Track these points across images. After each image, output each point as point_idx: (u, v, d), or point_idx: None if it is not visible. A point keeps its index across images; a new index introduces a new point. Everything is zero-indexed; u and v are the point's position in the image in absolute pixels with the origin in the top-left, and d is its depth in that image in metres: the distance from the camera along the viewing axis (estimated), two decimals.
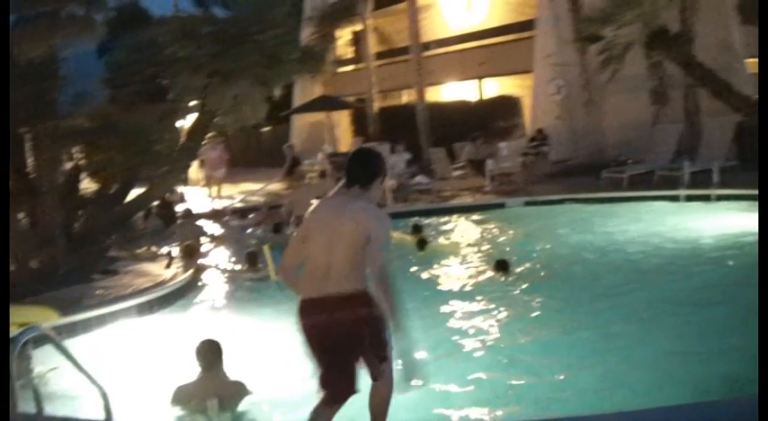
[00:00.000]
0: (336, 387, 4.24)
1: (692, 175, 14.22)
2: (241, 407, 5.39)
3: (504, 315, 7.64)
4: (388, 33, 28.10)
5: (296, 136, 30.19)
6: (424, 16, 25.21)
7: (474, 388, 5.69)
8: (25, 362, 4.43)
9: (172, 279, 9.51)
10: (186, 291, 9.40)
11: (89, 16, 10.41)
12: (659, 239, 10.80)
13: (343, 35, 29.03)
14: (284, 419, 5.40)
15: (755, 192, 12.70)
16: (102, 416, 4.48)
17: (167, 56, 10.32)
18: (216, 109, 10.75)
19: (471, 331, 7.14)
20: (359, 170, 4.37)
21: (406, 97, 27.40)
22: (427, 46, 24.37)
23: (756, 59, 19.37)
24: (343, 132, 28.93)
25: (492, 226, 13.41)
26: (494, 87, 26.05)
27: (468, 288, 8.84)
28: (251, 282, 9.94)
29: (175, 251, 11.46)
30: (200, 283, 10.10)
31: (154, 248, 12.09)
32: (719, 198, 13.03)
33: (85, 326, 7.70)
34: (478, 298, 8.34)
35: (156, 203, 14.20)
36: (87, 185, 11.35)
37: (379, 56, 26.15)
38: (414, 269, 9.66)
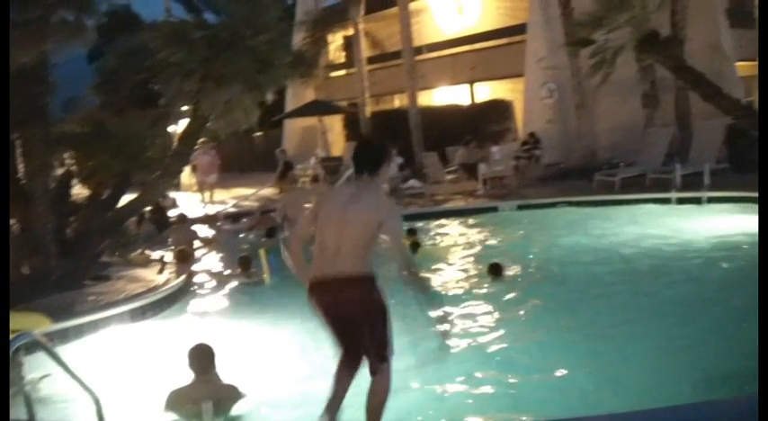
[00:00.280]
0: (348, 350, 4.57)
1: (683, 178, 14.28)
2: (234, 410, 5.38)
3: (496, 317, 7.65)
4: (379, 38, 28.17)
5: (288, 140, 30.20)
6: (416, 20, 25.27)
7: (467, 390, 5.69)
8: (17, 368, 4.40)
9: (164, 284, 9.48)
10: (179, 297, 9.37)
11: (80, 21, 10.39)
12: (651, 241, 10.84)
13: (335, 40, 29.07)
14: None
15: (746, 194, 12.89)
16: None
17: (159, 61, 10.29)
18: (208, 114, 10.73)
19: (464, 333, 7.13)
20: (366, 159, 4.59)
21: (399, 101, 27.48)
22: (419, 50, 24.43)
23: (745, 63, 19.53)
24: (335, 137, 28.97)
25: (485, 229, 13.43)
26: (486, 91, 26.14)
27: (460, 291, 8.85)
28: (244, 287, 9.93)
29: (168, 256, 11.44)
30: (192, 288, 10.08)
31: (147, 253, 12.07)
32: (710, 200, 13.10)
33: (78, 332, 7.67)
34: (471, 301, 8.35)
35: (148, 208, 14.18)
36: (79, 191, 11.31)
37: (371, 60, 26.20)
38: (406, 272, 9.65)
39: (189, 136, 11.17)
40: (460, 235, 13.19)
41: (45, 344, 4.40)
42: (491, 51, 24.57)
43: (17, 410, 4.38)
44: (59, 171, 10.98)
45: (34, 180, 9.50)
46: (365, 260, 4.43)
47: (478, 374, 6.01)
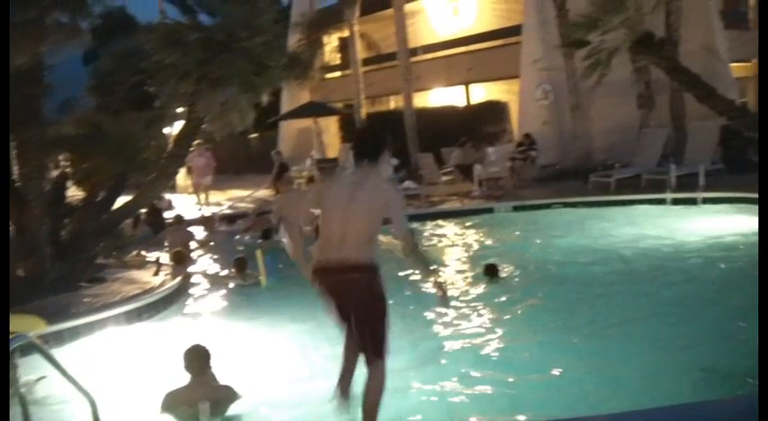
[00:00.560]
0: (351, 326, 4.70)
1: (678, 179, 14.32)
2: (231, 411, 5.38)
3: (493, 318, 7.66)
4: (375, 39, 28.17)
5: (284, 142, 30.21)
6: (412, 22, 25.31)
7: (465, 390, 5.70)
8: (12, 371, 4.39)
9: (160, 286, 9.47)
10: (175, 298, 9.36)
11: (75, 23, 10.38)
12: (647, 242, 10.87)
13: (331, 41, 29.07)
14: None
15: (741, 194, 12.92)
16: None
17: (154, 63, 10.28)
18: (203, 116, 10.72)
19: (461, 334, 7.15)
20: (366, 146, 4.75)
21: (394, 103, 27.50)
22: (414, 52, 24.45)
23: (739, 64, 19.60)
24: (330, 138, 28.97)
25: (480, 230, 13.46)
26: (481, 92, 26.17)
27: (456, 292, 8.84)
28: (240, 289, 9.92)
29: (164, 258, 11.43)
30: (188, 290, 10.07)
31: (143, 254, 12.05)
32: (705, 201, 13.14)
33: (73, 334, 7.66)
34: (467, 301, 8.35)
35: (144, 210, 14.16)
36: (74, 193, 11.30)
37: (367, 62, 26.20)
38: (401, 273, 9.66)
39: (184, 138, 11.16)
40: (456, 236, 13.20)
41: (40, 346, 4.40)
42: (486, 53, 24.61)
43: (13, 413, 4.37)
44: (54, 173, 10.97)
45: (29, 182, 9.49)
46: (370, 248, 4.56)
47: (476, 374, 6.02)
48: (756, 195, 12.18)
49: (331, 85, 29.64)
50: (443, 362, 6.41)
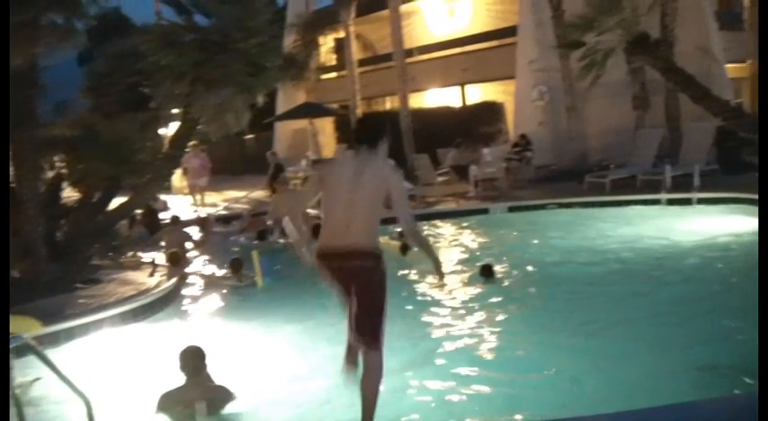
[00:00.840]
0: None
1: (673, 179, 14.34)
2: (226, 411, 5.38)
3: (489, 318, 7.67)
4: (371, 40, 28.20)
5: (279, 143, 30.21)
6: (407, 23, 25.32)
7: (461, 390, 5.70)
8: None
9: (156, 287, 9.46)
10: (170, 299, 9.35)
11: (70, 24, 10.36)
12: (642, 242, 10.89)
13: (326, 42, 29.09)
14: None
15: (735, 194, 12.95)
16: None
17: (149, 64, 10.27)
18: (199, 117, 10.72)
19: (455, 335, 7.16)
20: (366, 133, 4.84)
21: (390, 104, 27.52)
22: (410, 52, 24.46)
23: (734, 65, 19.65)
24: (326, 139, 28.99)
25: (476, 231, 13.47)
26: (477, 93, 26.20)
27: (452, 292, 8.86)
28: (235, 289, 9.92)
29: (159, 259, 11.42)
30: (184, 291, 10.07)
31: (139, 254, 12.05)
32: (700, 201, 13.17)
33: (69, 335, 7.65)
34: (463, 302, 8.37)
35: (140, 211, 14.16)
36: (69, 194, 11.29)
37: (363, 62, 26.21)
38: (398, 273, 9.68)
39: (179, 139, 11.16)
40: (452, 236, 13.21)
41: (36, 347, 4.39)
42: (482, 53, 24.64)
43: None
44: (49, 174, 10.96)
45: (24, 183, 9.48)
46: (375, 234, 4.65)
47: (473, 374, 6.04)
48: (751, 195, 12.34)
49: (327, 85, 29.64)
50: (440, 362, 6.42)
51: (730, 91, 18.23)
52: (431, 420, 5.29)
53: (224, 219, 16.96)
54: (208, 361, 5.53)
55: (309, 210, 15.17)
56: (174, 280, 9.95)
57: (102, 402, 4.95)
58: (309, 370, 6.40)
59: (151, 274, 10.34)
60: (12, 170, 9.45)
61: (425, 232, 13.65)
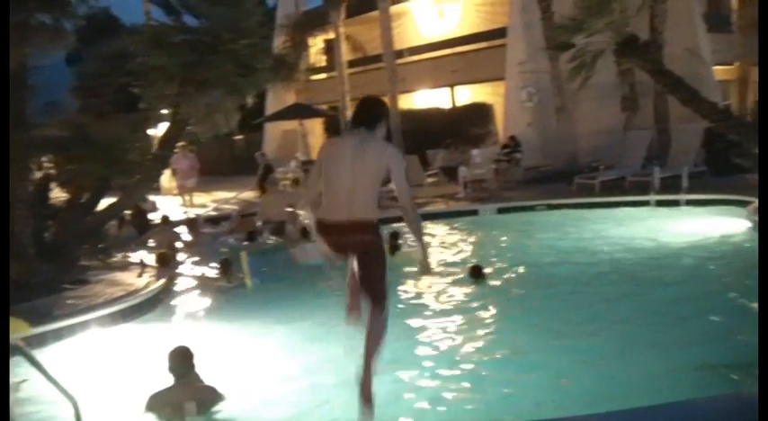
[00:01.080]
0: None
1: (662, 181, 14.40)
2: (215, 412, 5.38)
3: (478, 319, 7.68)
4: (360, 41, 28.20)
5: (269, 144, 30.17)
6: (397, 24, 25.32)
7: (451, 391, 5.72)
8: None
9: (145, 288, 9.43)
10: (159, 300, 9.33)
11: (59, 25, 10.33)
12: (631, 244, 10.93)
13: (316, 43, 29.08)
14: None
15: (723, 196, 13.00)
16: None
17: (139, 65, 10.25)
18: (188, 117, 10.70)
19: (445, 336, 7.17)
20: (366, 113, 4.93)
21: None
22: (400, 53, 24.47)
23: (722, 67, 19.74)
24: (316, 140, 28.96)
25: (465, 232, 13.48)
26: (466, 94, 26.23)
27: (441, 294, 8.87)
28: (224, 290, 9.90)
29: (148, 259, 11.38)
30: (173, 292, 10.04)
31: (128, 254, 12.00)
32: (689, 203, 13.23)
33: (57, 336, 7.62)
34: (452, 303, 8.38)
35: (129, 212, 14.11)
36: (58, 194, 11.24)
37: (352, 63, 26.22)
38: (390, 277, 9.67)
39: (169, 139, 11.14)
40: (441, 238, 13.21)
41: (23, 348, 4.38)
42: (472, 55, 24.68)
43: None
44: (38, 175, 10.91)
45: (14, 184, 9.43)
46: (374, 205, 4.76)
47: (464, 376, 6.05)
48: (739, 197, 12.37)
49: (316, 86, 29.63)
50: (430, 363, 6.41)
51: (718, 93, 18.32)
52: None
53: (213, 220, 16.92)
54: (196, 361, 5.53)
55: (299, 211, 15.15)
56: (162, 281, 9.93)
57: (90, 403, 4.94)
58: (298, 370, 6.40)
59: (140, 275, 10.31)
60: None
61: None
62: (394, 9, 24.12)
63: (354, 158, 4.70)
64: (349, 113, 24.34)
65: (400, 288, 9.11)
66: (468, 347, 6.79)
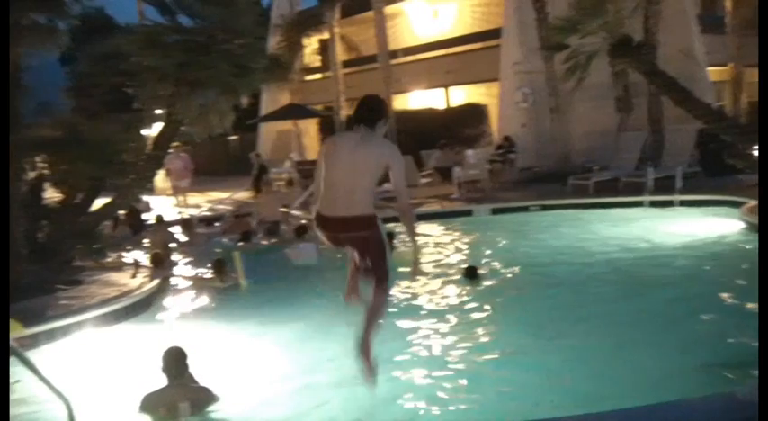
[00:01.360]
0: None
1: (655, 181, 14.42)
2: (209, 412, 5.37)
3: (472, 320, 7.68)
4: (355, 41, 28.20)
5: (263, 144, 30.15)
6: (392, 24, 25.34)
7: (445, 391, 5.72)
8: None
9: (138, 288, 9.42)
10: (153, 301, 9.31)
11: (52, 24, 10.31)
12: (624, 244, 10.94)
13: (311, 43, 29.05)
14: None
15: (717, 197, 13.03)
16: None
17: (133, 65, 10.23)
18: (183, 118, 10.69)
19: (439, 336, 7.16)
20: (366, 111, 4.97)
21: None
22: (395, 54, 24.47)
23: (716, 68, 19.79)
24: (310, 140, 28.94)
25: (460, 233, 13.49)
26: (461, 95, 26.23)
27: (435, 294, 8.87)
28: (218, 290, 9.88)
29: (142, 259, 11.36)
30: (166, 292, 10.02)
31: (123, 255, 11.98)
32: (682, 203, 13.25)
33: (50, 337, 7.60)
34: (446, 304, 8.38)
35: (123, 212, 14.08)
36: (52, 195, 11.21)
37: (347, 64, 26.20)
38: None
39: (163, 139, 11.13)
40: (435, 238, 13.20)
41: (16, 349, 4.37)
42: (466, 55, 24.68)
43: None
44: (32, 175, 10.88)
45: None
46: (371, 199, 4.85)
47: (459, 377, 6.04)
48: (732, 198, 12.39)
49: (311, 87, 29.62)
50: (425, 365, 6.41)
51: (712, 94, 18.37)
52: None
53: (207, 221, 16.90)
54: (190, 362, 5.52)
55: (293, 212, 15.14)
56: (156, 281, 9.91)
57: (84, 404, 4.93)
58: (293, 370, 6.39)
59: (134, 276, 10.29)
60: None
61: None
62: (389, 9, 24.12)
63: (353, 155, 4.79)
64: (344, 114, 24.39)
65: (395, 289, 9.11)
66: (464, 348, 6.79)
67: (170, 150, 12.95)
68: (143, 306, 8.95)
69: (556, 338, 6.83)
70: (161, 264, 11.00)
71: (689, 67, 17.43)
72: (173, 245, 13.06)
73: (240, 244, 12.72)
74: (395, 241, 10.86)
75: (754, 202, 11.53)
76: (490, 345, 6.85)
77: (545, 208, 14.63)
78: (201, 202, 21.38)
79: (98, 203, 11.03)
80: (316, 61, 30.82)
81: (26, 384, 5.27)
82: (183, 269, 11.68)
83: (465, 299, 8.58)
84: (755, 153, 11.00)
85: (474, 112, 23.66)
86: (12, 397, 5.40)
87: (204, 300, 9.66)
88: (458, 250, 11.88)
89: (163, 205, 20.09)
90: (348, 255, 5.24)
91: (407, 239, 5.28)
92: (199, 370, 5.63)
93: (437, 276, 9.89)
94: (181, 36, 10.34)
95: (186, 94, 10.28)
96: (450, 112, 24.62)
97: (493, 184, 17.85)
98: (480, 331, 7.32)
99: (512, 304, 8.29)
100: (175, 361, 5.44)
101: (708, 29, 20.04)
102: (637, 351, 6.26)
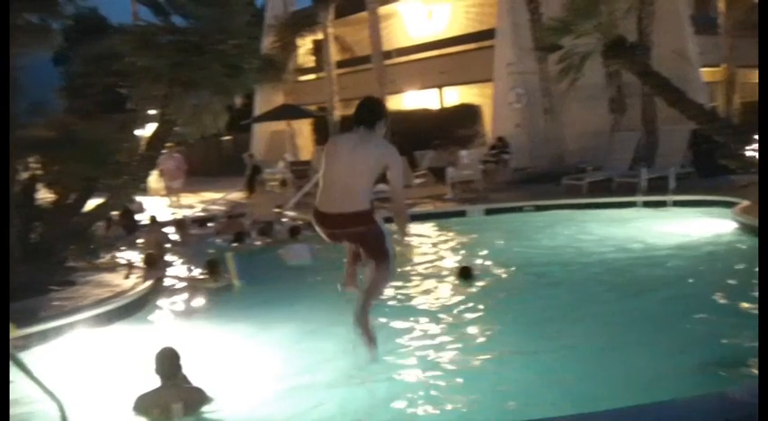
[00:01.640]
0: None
1: (649, 182, 14.46)
2: (202, 413, 5.36)
3: (466, 319, 7.69)
4: (349, 42, 28.20)
5: (257, 144, 30.12)
6: (386, 25, 25.32)
7: (438, 391, 5.72)
8: None
9: (132, 289, 9.39)
10: (146, 301, 9.29)
11: (46, 24, 10.28)
12: (618, 244, 10.97)
13: (305, 44, 29.03)
14: None
15: (710, 197, 13.07)
16: None
17: (127, 65, 10.21)
18: (176, 118, 10.67)
19: (433, 336, 7.17)
20: (366, 113, 5.09)
21: None
22: (388, 54, 24.46)
23: (709, 69, 19.84)
24: (304, 141, 28.93)
25: (453, 233, 13.50)
26: (455, 96, 26.24)
27: (429, 295, 8.89)
28: (212, 291, 9.86)
29: (135, 259, 11.34)
30: (160, 293, 10.00)
31: (116, 255, 11.94)
32: (675, 204, 13.29)
33: (42, 338, 7.57)
34: (440, 305, 8.38)
35: (117, 213, 14.05)
36: (45, 195, 11.18)
37: (341, 64, 26.20)
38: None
39: (157, 140, 11.10)
40: (429, 239, 13.22)
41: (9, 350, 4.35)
42: (460, 56, 24.69)
43: None
44: (24, 175, 10.84)
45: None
46: (368, 195, 4.95)
47: (452, 377, 6.05)
48: (725, 198, 12.42)
49: (305, 87, 29.60)
50: (419, 364, 6.42)
51: (705, 95, 18.42)
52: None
53: (200, 221, 16.86)
54: (183, 363, 5.51)
55: (287, 212, 15.12)
56: (149, 282, 9.89)
57: (77, 405, 4.92)
58: (286, 371, 6.39)
59: (127, 276, 10.27)
60: None
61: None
62: (382, 10, 24.12)
63: (353, 154, 4.89)
64: (337, 114, 24.39)
65: (389, 290, 9.11)
66: (458, 348, 6.79)
67: (163, 151, 12.90)
68: (136, 307, 8.92)
69: (549, 338, 6.84)
70: (154, 265, 10.97)
71: (682, 68, 17.47)
72: (166, 245, 13.03)
73: (234, 245, 12.70)
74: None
75: (746, 203, 11.57)
76: (484, 345, 6.86)
77: (539, 208, 14.65)
78: (195, 203, 21.33)
79: (91, 204, 10.99)
80: (309, 62, 30.81)
81: (18, 385, 5.25)
82: (176, 270, 11.66)
83: (459, 299, 8.58)
84: (748, 153, 11.03)
85: (468, 113, 23.66)
86: None
87: (197, 300, 9.64)
88: (451, 251, 11.89)
89: (156, 206, 20.05)
90: (346, 247, 5.33)
91: (399, 239, 5.34)
92: (192, 370, 5.62)
93: (431, 277, 9.90)
94: (174, 36, 10.32)
95: (179, 95, 10.26)
96: (444, 113, 24.63)
97: (486, 185, 17.86)
98: (474, 331, 7.33)
99: (505, 304, 8.30)
100: (168, 362, 5.43)
101: (701, 30, 20.10)
102: (630, 351, 6.27)
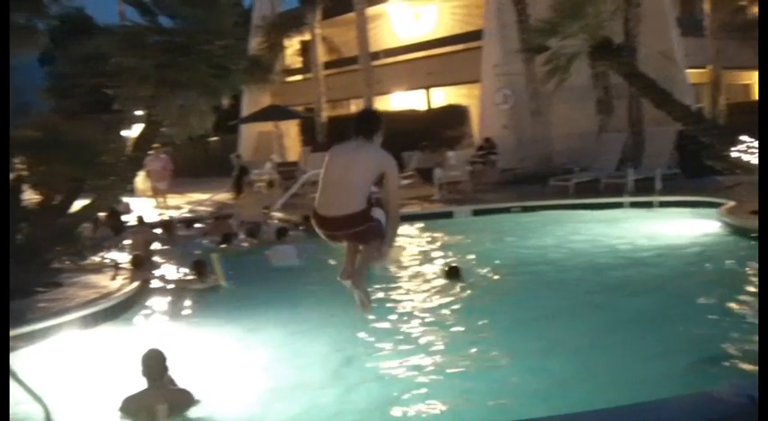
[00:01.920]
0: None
1: (635, 183, 14.53)
2: (188, 415, 5.34)
3: (453, 320, 7.70)
4: (336, 43, 28.18)
5: (244, 145, 30.06)
6: (373, 26, 25.34)
7: (424, 387, 5.74)
8: None
9: (118, 290, 9.35)
10: (133, 303, 9.24)
11: (31, 24, 10.22)
12: (604, 244, 11.03)
13: (292, 44, 29.00)
14: None
15: (696, 198, 13.15)
16: None
17: (113, 66, 10.16)
18: (163, 119, 10.63)
19: (421, 337, 7.17)
20: (364, 124, 5.30)
21: (355, 106, 27.50)
22: (376, 55, 24.48)
23: (695, 70, 19.96)
24: (291, 142, 28.89)
25: (440, 234, 13.50)
26: (442, 97, 26.28)
27: (416, 295, 8.89)
28: (198, 292, 9.83)
29: (122, 260, 11.28)
30: (146, 294, 9.95)
31: (103, 256, 11.88)
32: (662, 204, 13.36)
33: (28, 340, 7.52)
34: (427, 306, 8.39)
35: (104, 214, 13.97)
36: (30, 196, 11.11)
37: (328, 65, 26.18)
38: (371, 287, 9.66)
39: (143, 141, 11.05)
40: (416, 240, 13.23)
41: None
42: (447, 57, 24.73)
43: None
44: (10, 176, 10.77)
45: None
46: (364, 197, 5.06)
47: (441, 377, 6.06)
48: (710, 199, 12.50)
49: (292, 88, 29.57)
50: (409, 366, 6.41)
51: (691, 96, 18.52)
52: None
53: (187, 222, 16.80)
54: (170, 365, 5.49)
55: (275, 213, 15.09)
56: (136, 283, 9.84)
57: (62, 407, 4.90)
58: (274, 373, 6.38)
59: (113, 278, 10.22)
60: None
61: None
62: (370, 11, 24.13)
63: (350, 159, 5.07)
64: (325, 115, 24.39)
65: (375, 291, 9.12)
66: (446, 348, 6.81)
67: (150, 151, 12.85)
68: (123, 308, 8.88)
69: (537, 338, 6.86)
70: (141, 266, 10.92)
71: (668, 69, 17.55)
72: (154, 246, 12.98)
73: (221, 246, 12.67)
74: None
75: (732, 203, 11.65)
76: (473, 346, 6.86)
77: (526, 209, 14.68)
78: (182, 204, 21.26)
79: (78, 205, 10.93)
80: (297, 62, 30.78)
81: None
82: (163, 271, 11.61)
83: (447, 300, 8.59)
84: (733, 154, 11.10)
85: (455, 114, 23.70)
86: None
87: (184, 301, 9.61)
88: (438, 251, 11.89)
89: (143, 207, 19.97)
90: (346, 244, 5.38)
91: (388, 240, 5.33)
92: (179, 372, 5.60)
93: (418, 277, 9.91)
94: (161, 37, 10.28)
95: (166, 95, 10.21)
96: (432, 114, 24.66)
97: (474, 186, 17.90)
98: (463, 331, 7.34)
99: (492, 305, 8.31)
100: (155, 364, 5.41)
101: (687, 31, 20.22)
102: (617, 351, 6.31)
